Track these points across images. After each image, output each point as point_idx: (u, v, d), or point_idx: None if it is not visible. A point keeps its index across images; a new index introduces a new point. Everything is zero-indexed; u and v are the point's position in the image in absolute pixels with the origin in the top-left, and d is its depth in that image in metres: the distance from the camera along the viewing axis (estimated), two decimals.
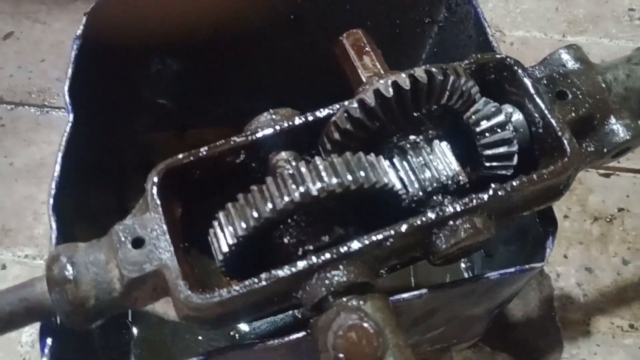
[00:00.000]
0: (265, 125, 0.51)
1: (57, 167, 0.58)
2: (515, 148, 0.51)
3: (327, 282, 0.45)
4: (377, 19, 0.83)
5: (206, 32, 0.81)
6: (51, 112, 1.04)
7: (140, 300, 0.47)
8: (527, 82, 0.52)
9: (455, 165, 0.50)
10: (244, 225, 0.45)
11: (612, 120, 0.53)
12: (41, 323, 0.51)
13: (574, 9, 1.19)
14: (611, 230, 0.92)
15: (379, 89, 0.48)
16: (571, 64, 0.56)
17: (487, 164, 0.52)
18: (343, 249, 0.45)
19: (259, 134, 0.51)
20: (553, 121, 0.51)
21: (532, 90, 0.52)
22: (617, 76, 0.55)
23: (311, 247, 0.47)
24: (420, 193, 0.50)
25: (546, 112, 0.51)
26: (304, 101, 0.63)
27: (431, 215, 0.47)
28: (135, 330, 0.78)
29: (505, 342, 0.83)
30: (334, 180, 0.45)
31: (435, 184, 0.50)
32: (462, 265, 0.84)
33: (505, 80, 0.54)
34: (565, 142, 0.50)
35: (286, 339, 0.49)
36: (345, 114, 0.49)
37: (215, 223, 0.47)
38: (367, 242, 0.45)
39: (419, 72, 0.49)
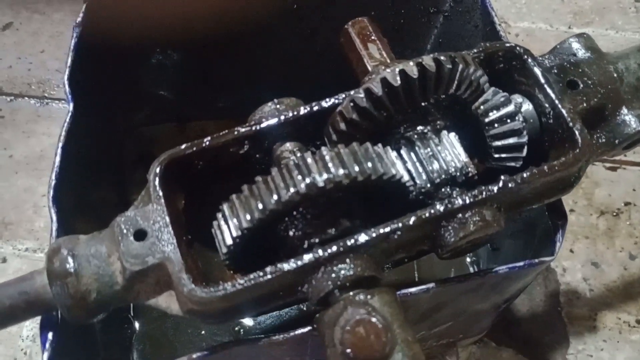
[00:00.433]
0: (270, 115, 0.50)
1: (57, 158, 0.57)
2: (525, 139, 0.50)
3: (333, 275, 0.44)
4: (381, 8, 0.82)
5: (207, 22, 0.80)
6: (51, 103, 1.03)
7: (142, 294, 0.46)
8: (537, 71, 0.51)
9: (463, 157, 0.49)
10: (248, 217, 0.44)
11: (624, 110, 0.52)
12: (42, 317, 0.50)
13: (580, 0, 1.17)
14: (618, 225, 0.91)
15: (386, 78, 0.47)
16: (582, 53, 0.55)
17: (496, 155, 0.51)
18: (350, 242, 0.44)
19: (263, 124, 0.50)
20: (564, 111, 0.50)
21: (542, 80, 0.51)
22: (628, 66, 0.54)
23: (317, 240, 0.46)
24: (428, 185, 0.49)
25: (557, 102, 0.50)
26: (306, 92, 0.62)
27: (440, 207, 0.46)
28: (137, 325, 0.77)
29: (511, 337, 0.82)
30: (341, 171, 0.44)
31: (443, 176, 0.49)
32: (468, 259, 0.83)
33: (514, 69, 0.53)
34: (577, 132, 0.49)
35: (291, 333, 0.48)
36: (352, 104, 0.48)
37: (219, 215, 0.46)
38: (374, 235, 0.44)
39: (427, 60, 0.47)
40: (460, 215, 0.46)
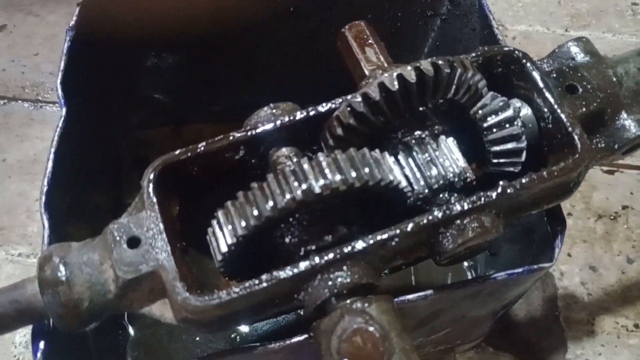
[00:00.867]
0: (266, 120, 0.49)
1: (50, 164, 0.56)
2: (523, 144, 0.50)
3: (330, 283, 0.43)
4: (379, 11, 0.81)
5: (203, 24, 0.79)
6: (45, 107, 1.02)
7: (136, 302, 0.45)
8: (536, 75, 0.51)
9: (462, 162, 0.49)
10: (243, 224, 0.43)
11: (624, 115, 0.52)
12: (33, 325, 0.49)
13: (577, 3, 1.17)
14: (615, 228, 0.91)
15: (383, 82, 0.47)
16: (581, 57, 0.54)
17: (495, 161, 0.50)
18: (347, 249, 0.43)
19: (259, 129, 0.49)
20: (563, 116, 0.49)
21: (541, 84, 0.50)
22: (628, 70, 0.54)
23: (313, 247, 0.45)
24: (426, 190, 0.48)
25: (556, 106, 0.49)
26: (303, 95, 0.62)
27: (438, 213, 0.45)
28: (131, 331, 0.76)
29: (509, 342, 0.82)
30: (338, 177, 0.43)
31: (441, 181, 0.48)
32: (465, 264, 0.83)
33: (513, 73, 0.52)
34: (576, 137, 0.48)
35: (287, 342, 0.47)
36: (349, 109, 0.48)
37: (214, 222, 0.45)
38: (371, 241, 0.44)
39: (425, 64, 0.47)
40: (458, 221, 0.46)
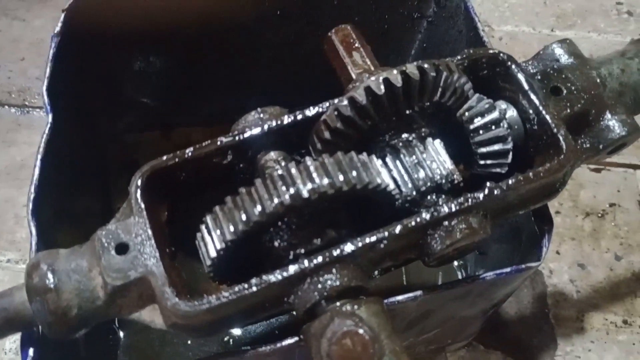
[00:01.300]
0: (253, 125, 0.50)
1: (36, 171, 0.56)
2: (510, 145, 0.50)
3: (319, 286, 0.43)
4: (366, 14, 0.82)
5: (190, 28, 0.79)
6: (32, 112, 1.01)
7: (125, 309, 0.45)
8: (521, 77, 0.51)
9: (449, 164, 0.49)
10: (232, 229, 0.43)
11: (608, 116, 0.52)
12: (22, 333, 0.49)
13: (562, 3, 1.18)
14: (603, 226, 0.92)
15: (370, 86, 0.47)
16: (565, 58, 0.55)
17: (482, 162, 0.51)
18: (336, 252, 0.44)
19: (247, 134, 0.49)
20: (548, 117, 0.50)
21: (526, 86, 0.51)
22: (611, 71, 0.54)
23: (303, 251, 0.45)
24: (414, 193, 0.48)
25: (541, 108, 0.50)
26: (292, 97, 0.62)
27: (426, 215, 0.46)
28: (121, 336, 0.76)
29: (499, 340, 0.83)
30: (325, 181, 0.43)
31: (429, 184, 0.48)
32: (455, 263, 0.83)
33: (498, 75, 0.53)
34: (561, 138, 0.49)
35: (278, 345, 0.48)
36: (336, 113, 0.48)
37: (203, 227, 0.45)
38: (360, 244, 0.44)
39: (411, 68, 0.47)
40: (446, 223, 0.46)
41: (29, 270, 0.44)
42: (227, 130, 0.50)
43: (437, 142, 0.50)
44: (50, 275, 0.44)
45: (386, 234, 0.45)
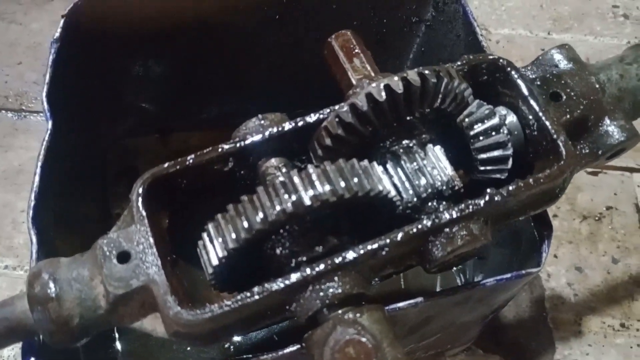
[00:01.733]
0: (254, 131, 0.50)
1: (36, 178, 0.56)
2: (510, 151, 0.50)
3: (321, 294, 0.43)
4: (364, 18, 0.82)
5: (189, 33, 0.79)
6: (29, 116, 1.01)
7: (127, 317, 0.45)
8: (521, 83, 0.51)
9: (449, 170, 0.49)
10: (234, 237, 0.43)
11: (607, 121, 0.53)
12: (23, 342, 0.48)
13: (559, 6, 1.19)
14: (600, 229, 0.92)
15: (371, 93, 0.47)
16: (564, 64, 0.55)
17: (482, 168, 0.51)
18: (337, 260, 0.44)
19: (248, 140, 0.49)
20: (548, 123, 0.50)
21: (526, 92, 0.51)
22: (610, 76, 0.55)
23: (304, 258, 0.45)
24: (415, 199, 0.48)
25: (541, 114, 0.50)
26: (291, 102, 0.62)
27: (427, 222, 0.46)
28: (121, 344, 0.76)
29: (498, 344, 0.83)
30: (327, 189, 0.43)
31: (430, 190, 0.48)
32: (454, 268, 0.83)
33: (498, 81, 0.53)
34: (561, 144, 0.49)
35: (280, 353, 0.48)
36: (337, 119, 0.48)
37: (205, 235, 0.45)
38: (362, 251, 0.44)
39: (412, 74, 0.47)
40: (447, 229, 0.46)
41: (31, 279, 0.44)
42: (227, 135, 0.50)
43: (438, 148, 0.50)
44: (51, 285, 0.44)
45: (387, 241, 0.45)
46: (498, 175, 0.51)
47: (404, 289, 0.82)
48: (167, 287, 0.43)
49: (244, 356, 0.48)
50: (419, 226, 0.45)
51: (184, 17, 0.77)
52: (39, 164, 0.56)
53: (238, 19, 0.79)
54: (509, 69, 0.52)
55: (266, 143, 0.49)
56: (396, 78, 0.47)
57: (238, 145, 0.49)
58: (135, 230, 0.45)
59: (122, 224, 0.47)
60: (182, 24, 0.77)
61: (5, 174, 0.94)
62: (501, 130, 0.50)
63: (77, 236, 0.65)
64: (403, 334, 0.58)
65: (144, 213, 0.45)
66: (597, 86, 0.53)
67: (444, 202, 0.49)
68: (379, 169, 0.48)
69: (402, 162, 0.49)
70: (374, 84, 0.48)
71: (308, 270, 0.43)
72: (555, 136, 0.49)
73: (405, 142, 0.50)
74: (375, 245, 0.44)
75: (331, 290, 0.43)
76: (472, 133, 0.51)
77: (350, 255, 0.44)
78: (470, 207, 0.46)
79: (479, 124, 0.50)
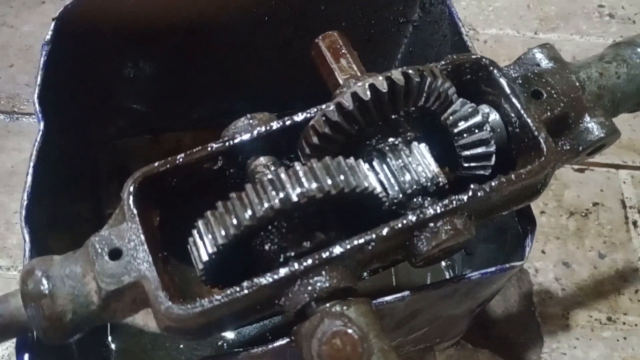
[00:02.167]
0: (243, 131, 0.51)
1: (29, 178, 0.56)
2: (492, 148, 0.52)
3: (309, 288, 0.44)
4: (352, 19, 0.83)
5: (179, 34, 0.80)
6: (21, 118, 1.01)
7: (119, 313, 0.46)
8: (503, 82, 0.53)
9: (434, 167, 0.50)
10: (223, 233, 0.44)
11: (587, 118, 0.54)
12: (17, 339, 0.49)
13: (545, 6, 1.20)
14: (587, 225, 0.94)
15: (356, 92, 0.48)
16: (545, 63, 0.56)
17: (466, 165, 0.52)
18: (325, 255, 0.45)
19: (237, 140, 0.50)
20: (529, 121, 0.51)
21: (507, 90, 0.52)
22: (590, 75, 0.56)
23: (293, 254, 0.46)
24: (400, 195, 0.49)
25: (522, 111, 0.51)
26: (280, 102, 0.63)
27: (412, 217, 0.47)
28: (115, 342, 0.76)
29: (487, 338, 0.84)
30: (314, 185, 0.44)
31: (415, 186, 0.50)
32: (443, 264, 0.85)
33: (481, 80, 0.54)
34: (542, 141, 0.50)
35: (270, 346, 0.48)
36: (324, 118, 0.49)
37: (195, 232, 0.46)
38: (348, 246, 0.45)
39: (396, 74, 0.48)
40: (432, 224, 0.47)
41: (24, 276, 0.45)
42: (216, 135, 0.51)
43: (423, 145, 0.52)
44: (44, 281, 0.44)
45: (374, 236, 0.46)
46: (482, 172, 0.52)
47: (395, 286, 0.84)
48: (158, 282, 0.44)
49: (235, 350, 0.49)
50: (404, 221, 0.47)
51: (174, 18, 0.78)
52: (31, 164, 0.57)
53: (228, 20, 0.80)
54: (491, 68, 0.53)
55: (255, 142, 0.50)
56: (381, 77, 0.48)
57: (227, 144, 0.50)
58: (126, 228, 0.46)
59: (113, 222, 0.47)
60: (172, 25, 0.78)
61: None
62: (484, 128, 0.51)
63: (70, 236, 0.65)
64: (392, 327, 0.59)
65: (135, 211, 0.46)
66: (578, 84, 0.55)
67: (429, 198, 0.50)
68: (365, 166, 0.49)
69: (388, 160, 0.51)
70: (359, 84, 0.49)
71: (296, 265, 0.44)
72: (536, 133, 0.51)
73: (390, 140, 0.51)
74: (362, 240, 0.46)
75: (319, 284, 0.44)
76: (456, 131, 0.52)
77: (337, 250, 0.45)
78: (454, 202, 0.48)
79: (463, 122, 0.52)
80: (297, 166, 0.45)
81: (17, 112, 1.02)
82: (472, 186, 0.48)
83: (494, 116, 0.53)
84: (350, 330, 0.42)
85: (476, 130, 0.51)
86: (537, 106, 0.53)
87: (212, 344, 0.76)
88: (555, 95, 0.53)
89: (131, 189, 0.47)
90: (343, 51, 0.57)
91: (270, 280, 0.44)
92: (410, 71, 0.48)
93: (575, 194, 0.97)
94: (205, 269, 0.46)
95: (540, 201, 0.95)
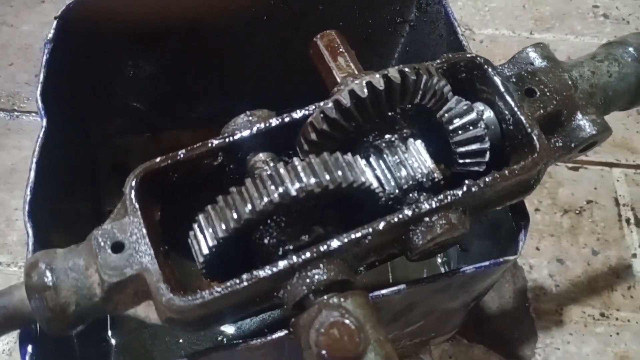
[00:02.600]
0: (242, 127, 0.52)
1: (32, 174, 0.57)
2: (487, 145, 0.53)
3: (307, 280, 0.45)
4: (350, 18, 0.84)
5: (179, 33, 0.81)
6: (21, 116, 1.02)
7: (121, 305, 0.47)
8: (497, 80, 0.54)
9: (429, 163, 0.52)
10: (223, 227, 0.45)
11: (579, 116, 0.55)
12: (21, 330, 0.50)
13: (541, 6, 1.21)
14: (581, 222, 0.95)
15: (354, 90, 0.49)
16: (538, 62, 0.57)
17: (461, 161, 0.53)
18: (323, 248, 0.46)
19: (237, 136, 0.51)
20: (522, 118, 0.52)
21: (501, 89, 0.53)
22: (582, 73, 0.57)
23: (291, 247, 0.47)
24: (397, 191, 0.50)
25: (516, 109, 0.53)
26: (279, 100, 0.64)
27: (408, 212, 0.48)
28: (115, 337, 0.77)
29: (482, 334, 0.85)
30: (312, 180, 0.45)
31: (410, 182, 0.51)
32: (439, 260, 0.86)
33: (476, 78, 0.55)
34: (535, 138, 0.51)
35: (269, 338, 0.49)
36: (322, 115, 0.50)
37: (195, 225, 0.47)
38: (346, 240, 0.46)
39: (393, 72, 0.50)
40: (427, 219, 0.48)
41: (28, 269, 0.46)
42: (215, 133, 0.52)
43: (419, 142, 0.53)
44: (48, 274, 0.45)
45: (370, 230, 0.47)
46: (476, 168, 0.53)
47: (392, 282, 0.85)
48: (159, 275, 0.45)
49: (234, 342, 0.50)
50: (400, 216, 0.48)
51: (173, 18, 0.79)
52: (34, 160, 0.58)
53: (227, 20, 0.81)
54: (485, 66, 0.54)
55: (254, 138, 0.51)
56: (378, 75, 0.50)
57: (227, 140, 0.51)
58: (128, 222, 0.47)
59: (115, 216, 0.48)
60: (171, 24, 0.79)
61: None
62: (479, 125, 0.53)
63: (70, 232, 0.66)
64: (388, 320, 0.60)
65: (136, 205, 0.47)
66: (570, 82, 0.56)
67: (424, 193, 0.51)
68: (362, 162, 0.50)
69: (385, 156, 0.52)
70: (357, 81, 0.50)
71: (295, 258, 0.45)
72: (529, 130, 0.52)
73: (387, 136, 0.53)
74: (359, 234, 0.47)
75: (317, 277, 0.45)
76: (451, 128, 0.53)
77: (335, 243, 0.46)
78: (449, 197, 0.49)
79: (458, 119, 0.53)
80: (296, 162, 0.46)
81: (18, 110, 1.03)
82: (466, 182, 0.49)
83: (489, 114, 0.54)
84: (347, 321, 0.43)
85: (471, 128, 0.52)
86: (530, 104, 0.54)
87: (211, 338, 0.77)
88: (548, 94, 0.54)
89: (133, 183, 0.48)
90: (341, 50, 0.58)
91: (270, 272, 0.45)
92: (406, 69, 0.50)
93: (570, 192, 0.98)
94: (205, 262, 0.47)
95: (535, 199, 0.96)
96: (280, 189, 0.45)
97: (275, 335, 0.49)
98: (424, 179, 0.51)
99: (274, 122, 0.51)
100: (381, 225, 0.47)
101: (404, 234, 0.49)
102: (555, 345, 0.85)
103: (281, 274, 0.45)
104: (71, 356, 0.63)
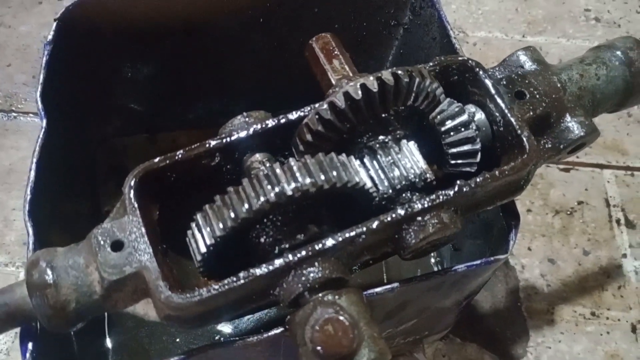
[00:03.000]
0: (239, 128, 0.53)
1: (32, 174, 0.58)
2: (478, 146, 0.54)
3: (303, 278, 0.46)
4: (345, 21, 0.85)
5: (176, 35, 0.82)
6: (19, 117, 1.03)
7: (120, 302, 0.47)
8: (488, 83, 0.55)
9: (422, 164, 0.53)
10: (221, 225, 0.46)
11: (568, 118, 0.56)
12: (21, 328, 0.51)
13: (533, 9, 1.23)
14: (572, 223, 0.97)
15: (348, 92, 0.50)
16: (528, 65, 0.59)
17: (453, 162, 0.54)
18: (318, 246, 0.47)
19: (234, 137, 0.52)
20: (512, 120, 0.54)
21: (492, 91, 0.55)
22: (571, 76, 0.58)
23: (287, 246, 0.48)
24: (390, 191, 0.52)
25: (506, 111, 0.54)
26: (275, 101, 0.65)
27: (400, 211, 0.49)
28: (112, 336, 0.78)
29: (475, 332, 0.86)
30: (308, 180, 0.46)
31: (403, 182, 0.52)
32: (432, 260, 0.87)
33: (467, 81, 0.56)
34: (524, 139, 0.53)
35: (265, 335, 0.50)
36: (317, 116, 0.51)
37: (193, 224, 0.48)
38: (340, 239, 0.47)
39: (386, 74, 0.51)
40: (419, 218, 0.49)
41: (29, 267, 0.47)
42: (213, 134, 0.53)
43: (412, 143, 0.54)
44: (49, 272, 0.46)
45: (364, 229, 0.48)
46: (468, 169, 0.55)
47: (385, 281, 0.86)
48: (158, 273, 0.46)
49: (231, 338, 0.51)
50: (393, 215, 0.49)
51: (171, 19, 0.80)
52: (35, 160, 0.59)
53: (223, 22, 0.82)
54: (477, 69, 0.56)
55: (251, 139, 0.52)
56: (372, 78, 0.51)
57: (224, 141, 0.52)
58: (127, 221, 0.48)
59: (115, 215, 0.49)
60: (169, 26, 0.80)
61: None
62: (470, 127, 0.54)
63: (69, 231, 0.67)
64: (382, 318, 0.61)
65: (135, 204, 0.48)
66: (559, 85, 0.57)
67: (417, 193, 0.52)
68: (356, 162, 0.52)
69: (378, 156, 0.53)
70: (351, 84, 0.51)
71: (290, 257, 0.46)
72: (519, 132, 0.53)
73: (381, 137, 0.54)
74: (353, 233, 0.48)
75: (312, 275, 0.46)
76: (443, 129, 0.54)
77: (330, 242, 0.47)
78: (441, 197, 0.50)
79: (450, 121, 0.54)
80: (292, 162, 0.47)
81: (15, 111, 1.03)
82: (458, 182, 0.51)
83: (480, 115, 0.55)
84: (341, 318, 0.44)
85: (462, 129, 0.54)
86: (520, 106, 0.55)
87: (209, 337, 0.77)
88: (537, 96, 0.56)
89: (132, 183, 0.48)
90: (336, 52, 0.59)
91: (266, 270, 0.46)
92: (399, 72, 0.51)
93: (561, 193, 1.00)
94: (203, 260, 0.48)
95: (526, 199, 0.98)
96: (277, 189, 0.46)
97: (272, 332, 0.50)
98: (417, 179, 0.52)
99: (270, 123, 0.52)
100: (375, 224, 0.48)
101: (397, 233, 0.50)
102: (546, 344, 0.86)
103: (277, 272, 0.46)
104: (70, 354, 0.64)
